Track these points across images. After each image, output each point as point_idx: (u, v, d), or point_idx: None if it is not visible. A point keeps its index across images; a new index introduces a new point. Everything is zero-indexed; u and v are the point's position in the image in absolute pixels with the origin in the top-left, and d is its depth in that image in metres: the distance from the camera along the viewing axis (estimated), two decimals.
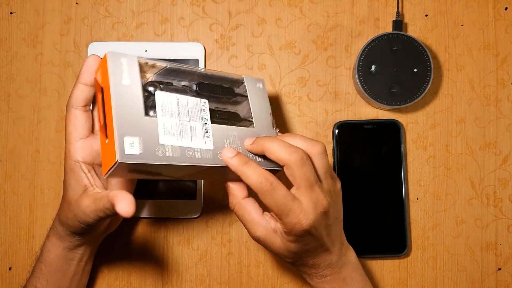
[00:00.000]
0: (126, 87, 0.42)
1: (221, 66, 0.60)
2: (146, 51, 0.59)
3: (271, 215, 0.45)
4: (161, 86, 0.45)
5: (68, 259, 0.51)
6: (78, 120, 0.45)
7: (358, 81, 0.56)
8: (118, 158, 0.39)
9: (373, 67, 0.56)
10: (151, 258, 0.59)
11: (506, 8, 0.60)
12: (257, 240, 0.45)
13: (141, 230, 0.59)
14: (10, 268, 0.59)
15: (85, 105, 0.46)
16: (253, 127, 0.48)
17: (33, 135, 0.59)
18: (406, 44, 0.56)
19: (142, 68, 0.45)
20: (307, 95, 0.60)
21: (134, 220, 0.59)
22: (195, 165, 0.43)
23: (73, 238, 0.49)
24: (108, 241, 0.59)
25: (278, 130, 0.50)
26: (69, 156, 0.46)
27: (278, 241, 0.45)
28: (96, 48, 0.59)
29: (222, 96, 0.48)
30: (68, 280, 0.52)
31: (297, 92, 0.60)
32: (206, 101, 0.46)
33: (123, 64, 0.43)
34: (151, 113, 0.43)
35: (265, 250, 0.59)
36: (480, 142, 0.59)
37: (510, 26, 0.59)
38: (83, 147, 0.45)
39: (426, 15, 0.60)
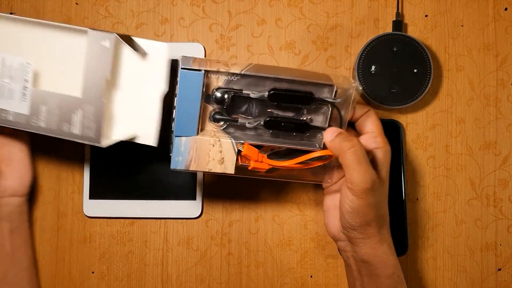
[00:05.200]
0: None
1: None
2: None
3: None
4: (231, 93, 0.46)
5: None
6: None
7: (358, 82, 0.56)
8: None
9: (373, 67, 0.56)
10: (151, 259, 0.59)
11: (506, 9, 0.60)
12: (373, 181, 0.45)
13: (141, 230, 0.59)
14: None
15: None
16: (80, 96, 0.46)
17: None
18: (406, 44, 0.56)
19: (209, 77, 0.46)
20: None
21: (134, 220, 0.59)
22: (9, 126, 0.47)
23: None
24: (108, 241, 0.59)
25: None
26: None
27: (381, 177, 0.48)
28: None
29: (297, 106, 0.47)
30: None
31: None
32: (31, 63, 0.46)
33: None
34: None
35: (265, 250, 0.59)
36: (480, 142, 0.59)
37: (510, 26, 0.59)
38: None
39: (426, 16, 0.60)
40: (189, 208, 0.58)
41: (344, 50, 0.60)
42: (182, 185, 0.58)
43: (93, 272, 0.59)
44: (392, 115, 0.59)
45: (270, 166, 0.48)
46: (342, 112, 0.47)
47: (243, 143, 0.47)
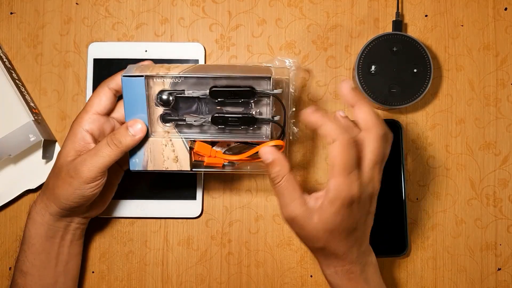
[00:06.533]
0: None
1: None
2: (146, 51, 0.59)
3: (310, 195, 0.46)
4: (175, 94, 0.48)
5: (49, 237, 0.51)
6: (106, 97, 0.49)
7: (358, 82, 0.56)
8: None
9: (373, 67, 0.56)
10: (151, 258, 0.59)
11: (506, 9, 0.60)
12: (293, 218, 0.45)
13: (141, 230, 0.59)
14: (10, 268, 0.59)
15: (118, 91, 0.50)
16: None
17: None
18: (406, 44, 0.56)
19: (153, 80, 0.47)
20: (307, 96, 0.60)
21: (134, 220, 0.59)
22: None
23: (54, 210, 0.50)
24: (108, 241, 0.59)
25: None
26: (78, 122, 0.49)
27: (315, 220, 0.44)
28: (96, 49, 0.59)
29: (238, 100, 0.48)
30: (53, 260, 0.52)
31: (297, 93, 0.60)
32: None
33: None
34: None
35: (265, 250, 0.59)
36: (479, 142, 0.59)
37: (510, 26, 0.60)
38: (96, 120, 0.49)
39: (426, 16, 0.60)
40: (189, 208, 0.58)
41: (344, 50, 0.60)
42: (182, 185, 0.58)
43: (93, 272, 0.59)
44: (392, 115, 0.60)
45: (226, 161, 0.50)
46: (284, 102, 0.48)
47: (194, 141, 0.49)
